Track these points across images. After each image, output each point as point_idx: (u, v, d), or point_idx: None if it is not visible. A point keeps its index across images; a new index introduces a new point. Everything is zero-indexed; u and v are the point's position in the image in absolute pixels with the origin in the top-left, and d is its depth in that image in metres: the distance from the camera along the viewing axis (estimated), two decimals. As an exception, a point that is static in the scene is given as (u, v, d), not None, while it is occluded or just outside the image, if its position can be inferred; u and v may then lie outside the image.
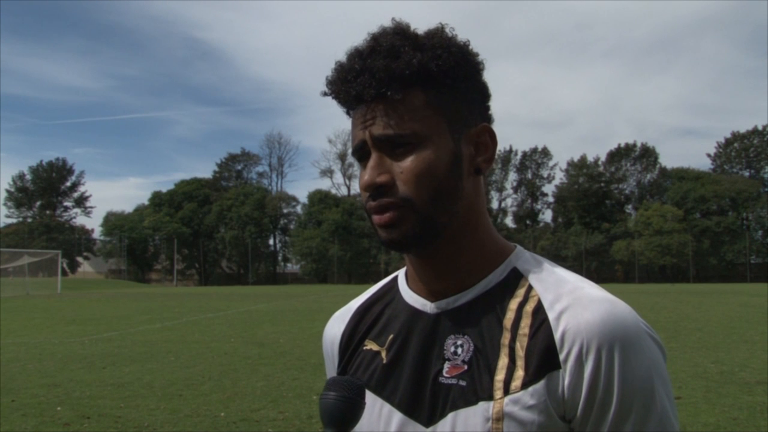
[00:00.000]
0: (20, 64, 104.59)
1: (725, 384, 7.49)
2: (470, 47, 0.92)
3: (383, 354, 0.97)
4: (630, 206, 66.81)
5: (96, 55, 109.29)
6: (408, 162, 0.87)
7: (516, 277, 0.92)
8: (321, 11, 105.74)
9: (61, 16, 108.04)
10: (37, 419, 6.15)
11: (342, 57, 0.91)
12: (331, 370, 1.07)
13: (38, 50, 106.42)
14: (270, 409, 6.52)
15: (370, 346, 1.00)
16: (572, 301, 0.85)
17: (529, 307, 0.88)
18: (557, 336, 0.83)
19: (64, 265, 59.63)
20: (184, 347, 11.33)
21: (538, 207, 69.76)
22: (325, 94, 0.93)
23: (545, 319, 0.85)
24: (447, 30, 0.91)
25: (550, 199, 68.92)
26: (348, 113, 0.94)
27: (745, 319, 16.06)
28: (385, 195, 0.88)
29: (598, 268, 60.00)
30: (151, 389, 7.54)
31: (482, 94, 0.95)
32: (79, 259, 71.80)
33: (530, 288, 0.90)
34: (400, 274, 1.05)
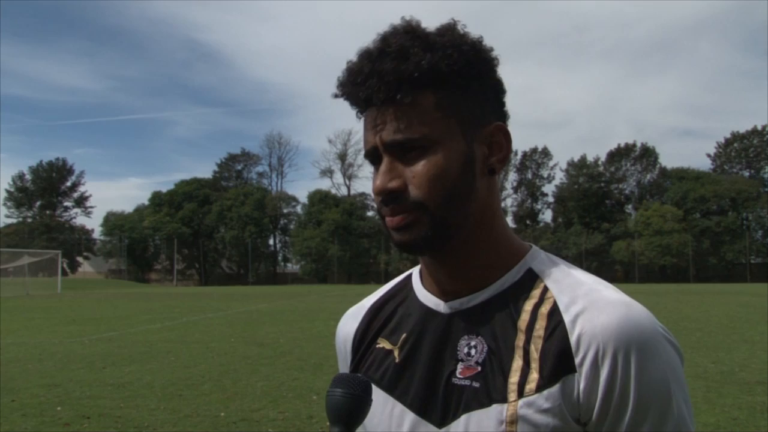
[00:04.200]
0: (21, 65, 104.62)
1: (725, 384, 7.49)
2: (483, 43, 0.90)
3: (396, 353, 0.96)
4: (630, 206, 66.76)
5: (96, 57, 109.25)
6: (419, 166, 0.86)
7: (531, 278, 0.91)
8: (321, 13, 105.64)
9: (61, 17, 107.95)
10: (37, 419, 6.15)
11: (352, 56, 0.89)
12: (343, 367, 1.06)
13: (39, 51, 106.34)
14: (270, 409, 6.52)
15: (383, 344, 0.99)
16: (588, 304, 0.83)
17: (545, 309, 0.86)
18: (573, 339, 0.81)
19: (64, 265, 59.57)
20: (184, 347, 11.33)
21: (538, 207, 69.76)
22: (336, 95, 0.91)
23: (561, 321, 0.84)
24: (459, 27, 0.89)
25: (550, 199, 68.96)
26: (360, 114, 0.92)
27: (745, 319, 16.07)
28: (398, 200, 0.87)
29: (598, 268, 59.85)
30: (151, 389, 7.54)
31: (496, 90, 0.93)
32: (79, 259, 71.80)
33: (546, 289, 0.89)
34: (415, 272, 1.04)
